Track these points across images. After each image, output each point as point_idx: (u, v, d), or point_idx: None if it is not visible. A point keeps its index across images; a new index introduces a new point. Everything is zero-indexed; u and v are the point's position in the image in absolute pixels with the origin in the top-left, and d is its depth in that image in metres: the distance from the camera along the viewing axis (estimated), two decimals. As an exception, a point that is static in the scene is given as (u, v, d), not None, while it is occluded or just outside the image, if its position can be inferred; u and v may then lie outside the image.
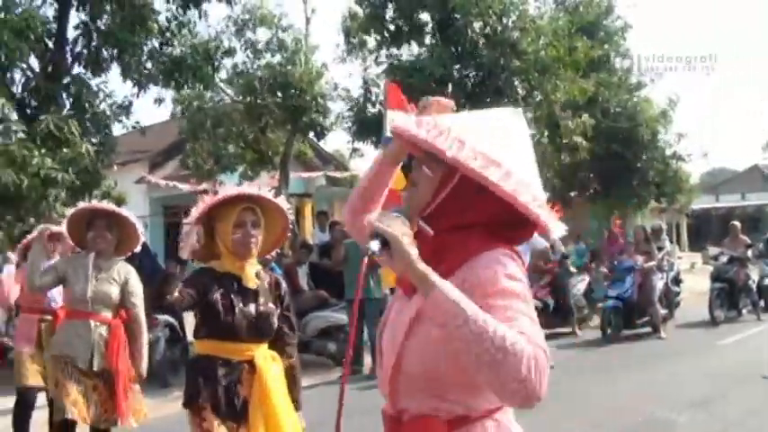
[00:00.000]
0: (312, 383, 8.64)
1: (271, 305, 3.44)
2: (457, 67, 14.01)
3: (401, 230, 1.60)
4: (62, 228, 5.47)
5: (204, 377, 3.28)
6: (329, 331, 9.68)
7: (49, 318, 5.54)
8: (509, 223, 1.72)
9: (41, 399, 5.72)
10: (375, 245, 1.60)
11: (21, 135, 9.13)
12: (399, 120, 1.81)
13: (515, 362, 1.48)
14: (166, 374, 8.66)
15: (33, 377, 5.53)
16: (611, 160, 19.42)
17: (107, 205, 4.68)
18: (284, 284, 3.66)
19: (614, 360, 9.61)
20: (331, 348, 9.62)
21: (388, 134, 9.81)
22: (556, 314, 11.71)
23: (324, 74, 14.70)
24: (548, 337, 9.02)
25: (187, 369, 3.47)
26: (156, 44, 11.21)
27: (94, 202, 4.76)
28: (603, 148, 18.76)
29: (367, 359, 9.03)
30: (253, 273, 3.44)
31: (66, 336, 4.54)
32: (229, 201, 3.37)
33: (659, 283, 11.74)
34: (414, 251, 1.59)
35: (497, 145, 1.69)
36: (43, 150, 9.11)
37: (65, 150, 9.36)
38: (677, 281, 13.44)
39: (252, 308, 3.38)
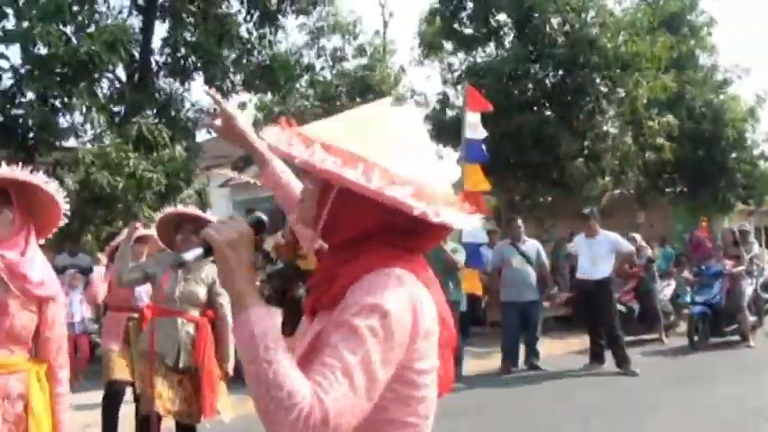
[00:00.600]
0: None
1: None
2: (536, 66, 13.83)
3: (228, 237, 1.43)
4: (150, 230, 5.68)
5: None
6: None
7: (136, 316, 5.66)
8: (406, 228, 1.51)
9: (129, 394, 5.90)
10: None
11: (117, 140, 9.47)
12: (269, 134, 1.63)
13: (283, 416, 1.30)
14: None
15: (121, 372, 5.67)
16: (696, 161, 18.78)
17: (193, 210, 4.81)
18: None
19: (702, 369, 9.27)
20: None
21: (467, 135, 9.78)
22: (642, 320, 11.35)
23: (402, 78, 14.84)
24: (633, 344, 8.80)
25: None
26: (237, 54, 11.49)
27: (180, 207, 4.90)
28: (688, 150, 18.17)
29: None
30: None
31: (155, 333, 4.67)
32: None
33: (748, 288, 11.25)
34: (238, 264, 1.42)
35: (369, 141, 1.50)
36: (137, 153, 9.45)
37: (159, 153, 9.71)
38: (767, 287, 12.87)
39: None
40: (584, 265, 9.25)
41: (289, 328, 3.42)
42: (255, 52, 11.57)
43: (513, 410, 7.14)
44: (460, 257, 8.88)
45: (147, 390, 4.50)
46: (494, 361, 9.57)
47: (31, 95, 9.74)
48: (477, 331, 11.78)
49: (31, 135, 9.94)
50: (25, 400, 2.60)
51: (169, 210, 4.84)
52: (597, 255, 9.06)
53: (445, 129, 14.62)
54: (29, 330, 2.65)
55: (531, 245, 9.48)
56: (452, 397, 7.28)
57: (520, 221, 9.57)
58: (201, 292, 4.71)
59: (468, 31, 14.46)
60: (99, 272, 5.85)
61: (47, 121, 9.58)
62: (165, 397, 4.49)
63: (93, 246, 10.76)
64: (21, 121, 9.79)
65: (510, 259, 9.23)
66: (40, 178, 2.62)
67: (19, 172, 2.58)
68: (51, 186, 2.66)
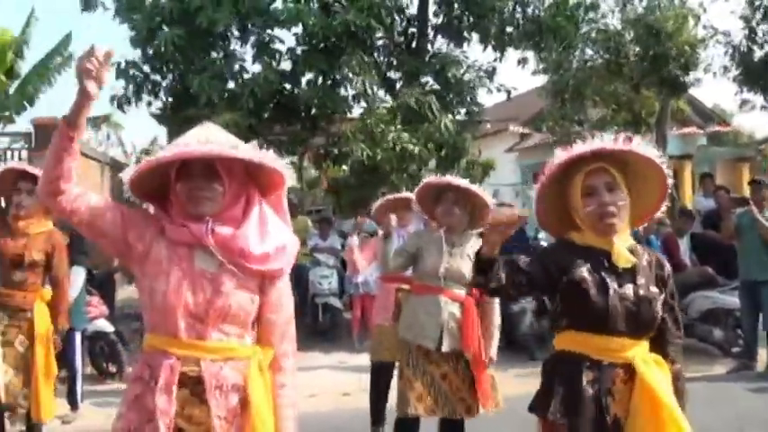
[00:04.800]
0: (692, 375, 7.62)
1: (654, 288, 2.62)
2: None
3: None
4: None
5: (564, 382, 2.59)
6: (715, 314, 8.48)
7: (407, 287, 5.40)
8: None
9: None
10: None
11: (381, 111, 9.52)
12: None
13: None
14: (533, 347, 8.42)
15: (389, 353, 5.45)
16: None
17: (452, 179, 4.36)
18: (668, 266, 2.78)
19: None
20: (716, 335, 8.42)
21: None
22: None
23: (699, 15, 13.05)
24: None
25: (543, 368, 2.79)
26: (512, 7, 10.90)
27: (437, 176, 4.50)
28: None
29: (762, 353, 7.67)
30: (624, 248, 2.62)
31: (414, 313, 4.36)
32: (577, 162, 2.62)
33: None
34: None
35: None
36: (400, 126, 9.40)
37: (425, 125, 9.56)
38: None
39: (629, 289, 2.58)
40: None
41: (567, 317, 2.77)
42: (532, 5, 10.89)
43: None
44: (784, 227, 7.47)
45: (406, 391, 4.17)
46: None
47: (309, 75, 10.12)
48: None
49: (312, 111, 10.34)
50: (241, 393, 2.29)
51: (430, 179, 4.44)
52: None
53: (753, 71, 12.62)
54: (247, 312, 2.33)
55: None
56: (762, 398, 5.88)
57: None
58: (468, 269, 4.21)
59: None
60: (352, 240, 5.64)
61: (325, 95, 9.86)
62: (426, 397, 4.15)
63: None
64: (301, 98, 10.23)
65: None
66: (246, 151, 2.27)
67: (216, 147, 2.24)
68: (262, 154, 2.29)
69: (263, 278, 2.36)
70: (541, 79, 15.72)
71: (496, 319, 4.38)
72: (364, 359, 7.76)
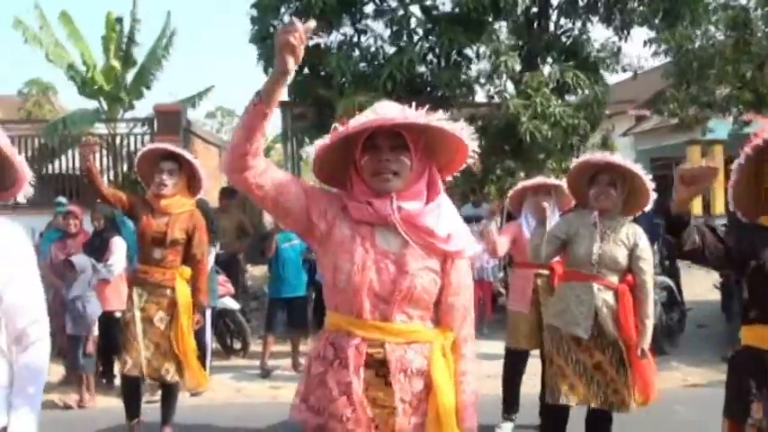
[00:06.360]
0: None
1: None
2: None
3: None
4: (555, 180, 5.18)
5: (755, 377, 2.42)
6: None
7: (546, 273, 5.13)
8: None
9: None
10: None
11: (543, 88, 9.24)
12: None
13: None
14: (662, 341, 8.06)
15: (525, 341, 5.29)
16: None
17: (611, 158, 4.04)
18: None
19: None
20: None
21: None
22: None
23: None
24: None
25: (730, 365, 2.59)
26: None
27: (590, 154, 4.20)
28: None
29: None
30: None
31: (564, 301, 4.14)
32: None
33: None
34: None
35: None
36: (560, 101, 9.13)
37: (576, 96, 9.30)
38: None
39: None
40: None
41: (755, 308, 2.55)
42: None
43: None
44: None
45: (557, 380, 4.01)
46: None
47: (432, 56, 9.93)
48: None
49: (439, 93, 10.12)
50: (426, 378, 2.18)
51: (584, 158, 4.15)
52: None
53: None
54: (430, 294, 2.20)
55: None
56: None
57: None
58: (622, 255, 4.02)
59: None
60: (491, 224, 5.40)
61: (452, 77, 9.67)
62: (577, 386, 3.97)
63: (495, 196, 10.83)
64: (427, 78, 10.04)
65: None
66: (442, 121, 2.14)
67: (411, 111, 2.13)
68: (454, 125, 2.16)
69: (444, 259, 2.23)
70: (659, 59, 15.00)
71: (651, 309, 4.09)
72: (483, 345, 7.60)
